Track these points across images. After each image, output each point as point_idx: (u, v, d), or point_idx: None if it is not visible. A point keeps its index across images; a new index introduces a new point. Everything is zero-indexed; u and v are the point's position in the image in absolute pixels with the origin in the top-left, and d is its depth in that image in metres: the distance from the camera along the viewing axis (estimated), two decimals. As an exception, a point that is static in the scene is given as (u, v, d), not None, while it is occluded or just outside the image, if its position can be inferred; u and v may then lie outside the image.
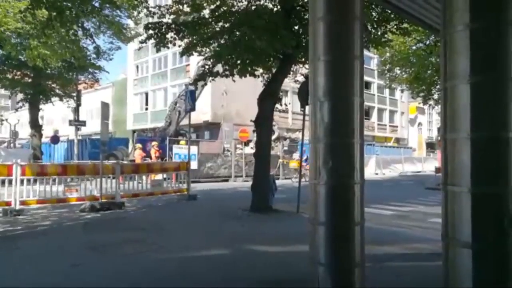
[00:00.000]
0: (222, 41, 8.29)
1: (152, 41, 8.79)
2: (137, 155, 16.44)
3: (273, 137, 21.83)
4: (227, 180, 18.67)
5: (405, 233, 6.64)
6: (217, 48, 8.38)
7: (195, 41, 8.52)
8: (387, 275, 4.11)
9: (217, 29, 8.25)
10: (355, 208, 2.96)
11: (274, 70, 9.09)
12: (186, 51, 8.81)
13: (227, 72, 8.82)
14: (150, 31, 8.39)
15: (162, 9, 8.93)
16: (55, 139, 23.47)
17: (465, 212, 2.21)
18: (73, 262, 4.54)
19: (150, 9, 9.18)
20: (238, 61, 8.37)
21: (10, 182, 7.91)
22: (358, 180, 2.98)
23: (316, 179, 3.01)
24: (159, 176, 11.80)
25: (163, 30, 8.38)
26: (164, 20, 8.85)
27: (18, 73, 18.89)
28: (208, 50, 9.21)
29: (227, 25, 8.07)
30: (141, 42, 8.81)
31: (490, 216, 2.18)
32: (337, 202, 2.97)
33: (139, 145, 17.21)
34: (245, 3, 8.53)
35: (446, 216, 2.37)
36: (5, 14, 14.34)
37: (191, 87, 12.22)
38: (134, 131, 31.05)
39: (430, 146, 46.57)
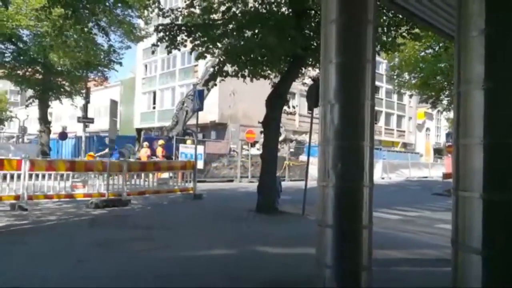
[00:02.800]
0: (233, 40, 8.30)
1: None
2: (143, 153, 16.52)
3: (280, 138, 21.79)
4: (232, 181, 18.68)
5: (412, 238, 6.60)
6: (229, 47, 8.40)
7: (206, 42, 8.52)
8: (393, 279, 4.08)
9: (228, 29, 8.27)
10: (363, 211, 2.96)
11: (283, 72, 9.09)
12: (201, 55, 8.82)
13: (238, 73, 8.83)
14: (161, 34, 8.43)
15: (175, 12, 8.99)
16: (63, 135, 23.65)
17: (476, 218, 2.20)
18: (79, 258, 4.56)
19: (163, 11, 9.22)
20: (249, 61, 8.38)
21: (18, 176, 7.98)
22: (367, 183, 2.98)
23: (324, 181, 3.01)
24: (165, 175, 11.84)
25: (174, 31, 8.42)
26: (176, 22, 8.89)
27: (29, 69, 19.09)
28: (219, 51, 9.24)
29: (237, 25, 8.09)
30: (153, 45, 8.84)
31: (501, 223, 2.16)
32: (346, 204, 2.97)
33: (146, 144, 17.30)
34: (256, 5, 8.55)
35: (456, 222, 2.35)
36: (18, 11, 14.55)
37: (200, 87, 12.27)
38: (140, 130, 31.19)
39: (438, 152, 46.29)
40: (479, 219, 2.16)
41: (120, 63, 19.79)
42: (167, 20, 9.04)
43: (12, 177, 7.97)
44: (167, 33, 8.45)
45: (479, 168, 2.18)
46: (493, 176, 2.17)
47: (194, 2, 8.75)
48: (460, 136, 2.33)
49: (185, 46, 8.72)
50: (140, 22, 19.12)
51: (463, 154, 2.30)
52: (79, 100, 22.59)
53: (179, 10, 9.12)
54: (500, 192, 2.14)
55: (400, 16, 7.75)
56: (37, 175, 8.23)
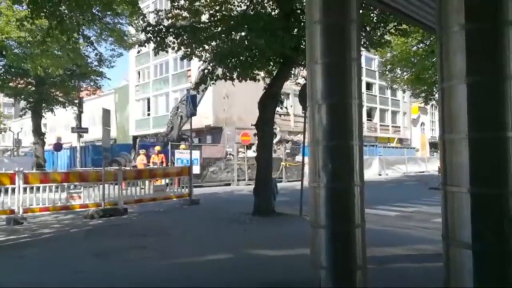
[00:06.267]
0: (221, 44, 8.30)
1: (152, 45, 8.81)
2: (139, 161, 16.49)
3: (275, 140, 21.81)
4: (229, 184, 18.66)
5: (409, 234, 6.62)
6: (217, 50, 8.39)
7: (194, 45, 8.52)
8: (390, 276, 4.09)
9: (216, 32, 8.26)
10: (355, 211, 2.96)
11: (274, 73, 9.10)
12: (187, 56, 8.83)
13: (228, 75, 8.82)
14: (149, 35, 8.39)
15: (160, 14, 8.95)
16: (58, 146, 23.56)
17: (465, 213, 2.21)
18: (76, 269, 4.54)
19: (150, 14, 9.21)
20: (238, 63, 8.38)
21: (13, 190, 7.94)
22: (358, 182, 2.98)
23: (315, 181, 3.01)
24: (162, 182, 11.81)
25: (162, 33, 8.40)
26: (163, 24, 8.85)
27: (21, 81, 19.03)
28: (207, 54, 9.23)
29: (225, 28, 8.09)
30: (139, 45, 8.81)
31: (490, 217, 2.17)
32: (337, 204, 2.97)
33: (143, 151, 17.30)
34: (244, 7, 8.56)
35: (446, 217, 2.36)
36: (7, 23, 14.50)
37: (192, 92, 12.24)
38: (136, 137, 31.14)
39: (434, 146, 46.36)
40: (468, 214, 2.17)
41: (101, 73, 19.83)
42: (154, 23, 9.01)
43: (6, 191, 7.94)
44: (155, 35, 8.42)
45: (466, 163, 2.19)
46: (480, 170, 2.17)
47: (179, 4, 8.73)
48: (446, 131, 2.34)
49: (173, 48, 8.70)
50: (131, 29, 19.10)
51: (449, 149, 2.31)
52: (75, 109, 22.56)
53: (164, 11, 9.07)
54: (487, 186, 2.15)
55: (387, 13, 7.78)
56: (31, 188, 8.19)
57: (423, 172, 28.53)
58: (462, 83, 2.23)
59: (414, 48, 18.21)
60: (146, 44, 8.58)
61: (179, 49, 8.62)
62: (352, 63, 3.00)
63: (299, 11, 8.16)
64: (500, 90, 2.17)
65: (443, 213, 2.39)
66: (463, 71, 2.22)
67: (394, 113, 44.71)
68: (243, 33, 7.88)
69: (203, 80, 9.42)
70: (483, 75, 2.18)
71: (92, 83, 21.78)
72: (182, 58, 9.25)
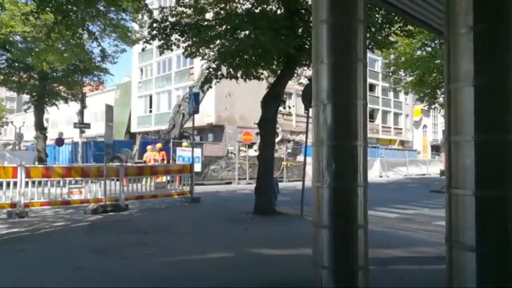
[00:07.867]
0: (226, 43, 8.29)
1: (156, 43, 8.80)
2: (151, 156, 16.49)
3: (277, 139, 21.79)
4: (230, 183, 18.66)
5: (410, 236, 6.60)
6: (222, 49, 8.38)
7: (198, 43, 8.51)
8: (391, 278, 4.08)
9: (221, 30, 8.25)
10: (358, 211, 2.96)
11: (277, 73, 9.09)
12: (190, 54, 8.82)
13: (232, 74, 8.81)
14: (155, 32, 8.38)
15: (165, 11, 8.94)
16: (59, 141, 23.60)
17: (469, 215, 2.20)
18: (77, 265, 4.54)
19: (154, 10, 9.19)
20: (242, 62, 8.37)
21: (15, 184, 7.96)
22: (362, 183, 2.97)
23: (319, 181, 3.01)
24: (163, 179, 11.81)
25: (168, 30, 8.38)
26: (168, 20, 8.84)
27: (25, 75, 19.04)
28: (211, 53, 9.22)
29: (230, 26, 8.08)
30: (145, 42, 8.79)
31: (494, 220, 2.16)
32: (340, 205, 2.96)
33: (150, 147, 17.32)
34: (249, 6, 8.55)
35: (450, 219, 2.35)
36: (11, 17, 14.51)
37: (195, 90, 12.25)
38: (134, 134, 31.17)
39: (435, 148, 46.35)
40: (472, 216, 2.16)
41: (106, 69, 19.82)
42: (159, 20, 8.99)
43: (8, 184, 7.95)
44: (161, 31, 8.40)
45: (471, 165, 2.18)
46: (485, 173, 2.16)
47: (184, 1, 8.72)
48: (451, 133, 2.33)
49: (178, 46, 8.68)
50: (135, 25, 19.08)
51: (455, 152, 2.30)
52: (77, 105, 22.59)
53: (168, 8, 9.05)
54: (492, 189, 2.14)
55: (393, 13, 7.76)
56: (33, 182, 8.20)
57: (424, 174, 28.50)
58: (469, 85, 2.22)
59: (418, 52, 18.15)
60: (151, 41, 8.58)
61: (185, 50, 8.62)
62: (358, 63, 2.99)
63: (303, 10, 8.16)
64: (508, 93, 2.16)
65: (447, 216, 2.38)
66: (470, 73, 2.21)
67: (396, 115, 44.67)
68: (247, 32, 7.86)
69: (209, 79, 9.42)
70: (490, 77, 2.17)
71: (95, 79, 21.77)
72: (186, 56, 9.23)
